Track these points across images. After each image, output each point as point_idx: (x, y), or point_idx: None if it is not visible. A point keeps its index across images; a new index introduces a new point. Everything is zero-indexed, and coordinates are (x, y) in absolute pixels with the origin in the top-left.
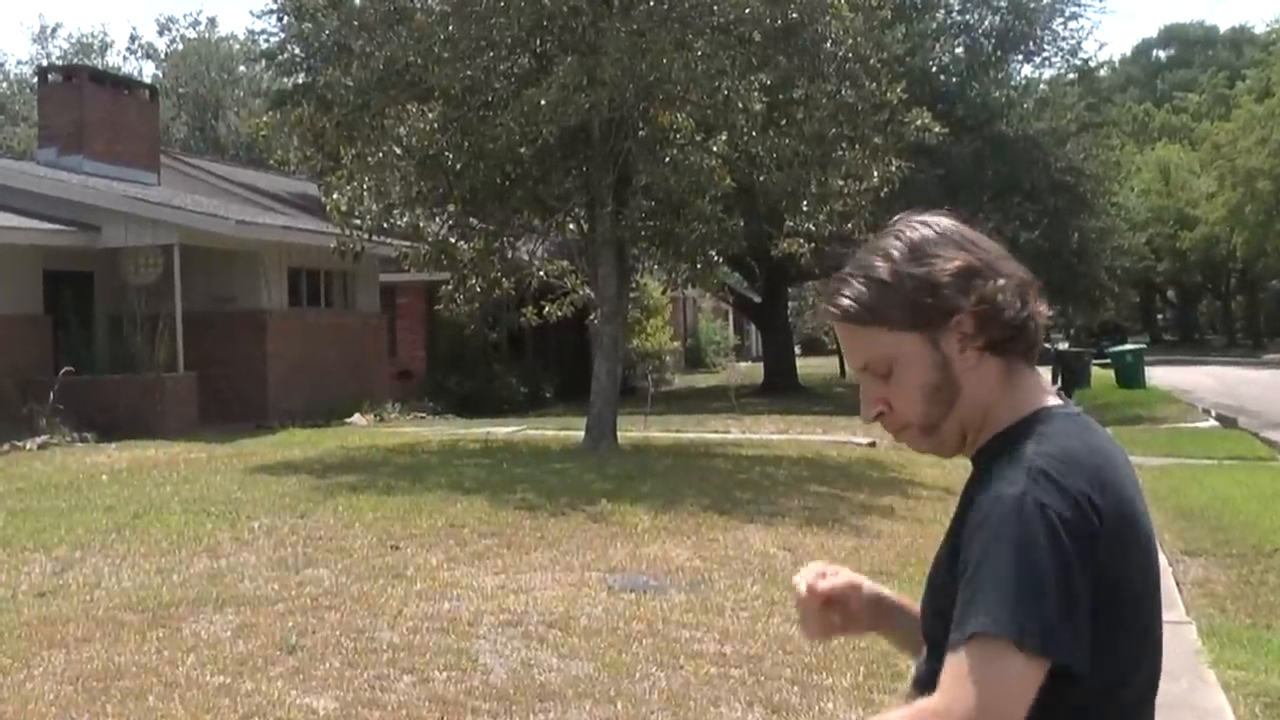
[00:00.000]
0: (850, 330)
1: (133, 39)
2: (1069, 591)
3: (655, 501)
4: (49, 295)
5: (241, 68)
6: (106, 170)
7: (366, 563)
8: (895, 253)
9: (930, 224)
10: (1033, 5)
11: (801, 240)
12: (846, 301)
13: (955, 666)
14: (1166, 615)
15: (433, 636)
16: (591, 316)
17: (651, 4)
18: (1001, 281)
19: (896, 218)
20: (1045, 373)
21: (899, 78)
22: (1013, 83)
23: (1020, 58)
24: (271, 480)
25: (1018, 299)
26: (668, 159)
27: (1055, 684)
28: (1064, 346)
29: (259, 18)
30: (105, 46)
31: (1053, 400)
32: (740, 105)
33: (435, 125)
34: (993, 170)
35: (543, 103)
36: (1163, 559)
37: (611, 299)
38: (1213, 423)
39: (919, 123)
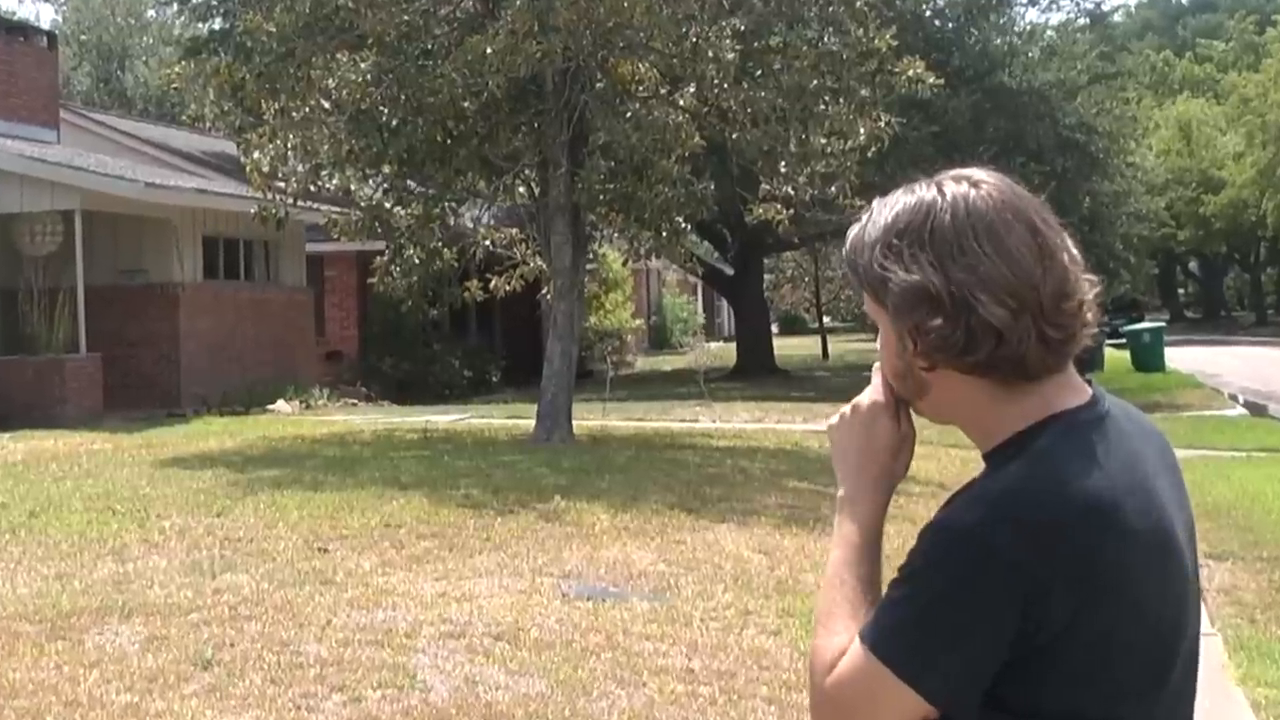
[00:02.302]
0: None
1: None
2: (970, 634)
3: (615, 499)
4: None
5: (151, 12)
6: None
7: (291, 567)
8: (885, 224)
9: (950, 208)
10: None
11: (779, 205)
12: (846, 247)
13: (850, 653)
14: None
15: (365, 650)
16: (544, 291)
17: None
18: (939, 321)
19: (956, 172)
20: None
21: (888, 23)
22: (1016, 29)
23: (1025, 1)
24: (185, 475)
25: (962, 343)
26: (629, 114)
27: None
28: None
29: None
30: None
31: (1074, 399)
32: (710, 54)
33: (368, 76)
34: (993, 127)
35: (489, 51)
36: None
37: (566, 271)
38: (1240, 410)
39: (911, 73)
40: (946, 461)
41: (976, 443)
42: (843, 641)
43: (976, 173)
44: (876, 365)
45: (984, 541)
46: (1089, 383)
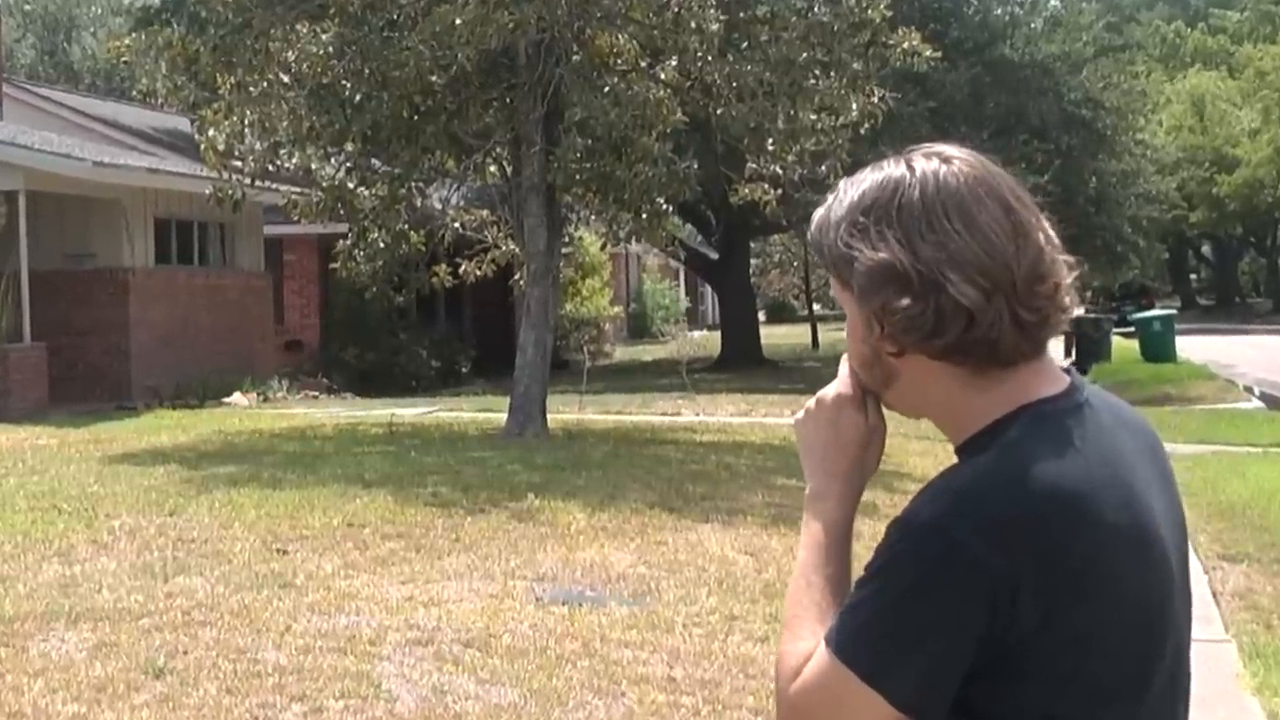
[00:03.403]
0: None
1: None
2: (935, 633)
3: (592, 497)
4: None
5: None
6: None
7: (248, 569)
8: (852, 202)
9: (919, 183)
10: None
11: (766, 185)
12: (811, 228)
13: (815, 658)
14: (1201, 631)
15: (327, 657)
16: (516, 277)
17: None
18: (907, 301)
19: (923, 147)
20: (1057, 343)
21: None
22: None
23: None
24: (135, 471)
25: (931, 325)
26: (607, 89)
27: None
28: (1079, 312)
29: None
30: None
31: (1050, 388)
32: (693, 25)
33: (330, 49)
34: (994, 102)
35: (458, 21)
36: (1196, 565)
37: (540, 255)
38: (1256, 403)
39: (906, 46)
40: (944, 457)
41: (949, 436)
42: (808, 646)
43: (948, 149)
44: (844, 356)
45: (948, 536)
46: (1068, 372)
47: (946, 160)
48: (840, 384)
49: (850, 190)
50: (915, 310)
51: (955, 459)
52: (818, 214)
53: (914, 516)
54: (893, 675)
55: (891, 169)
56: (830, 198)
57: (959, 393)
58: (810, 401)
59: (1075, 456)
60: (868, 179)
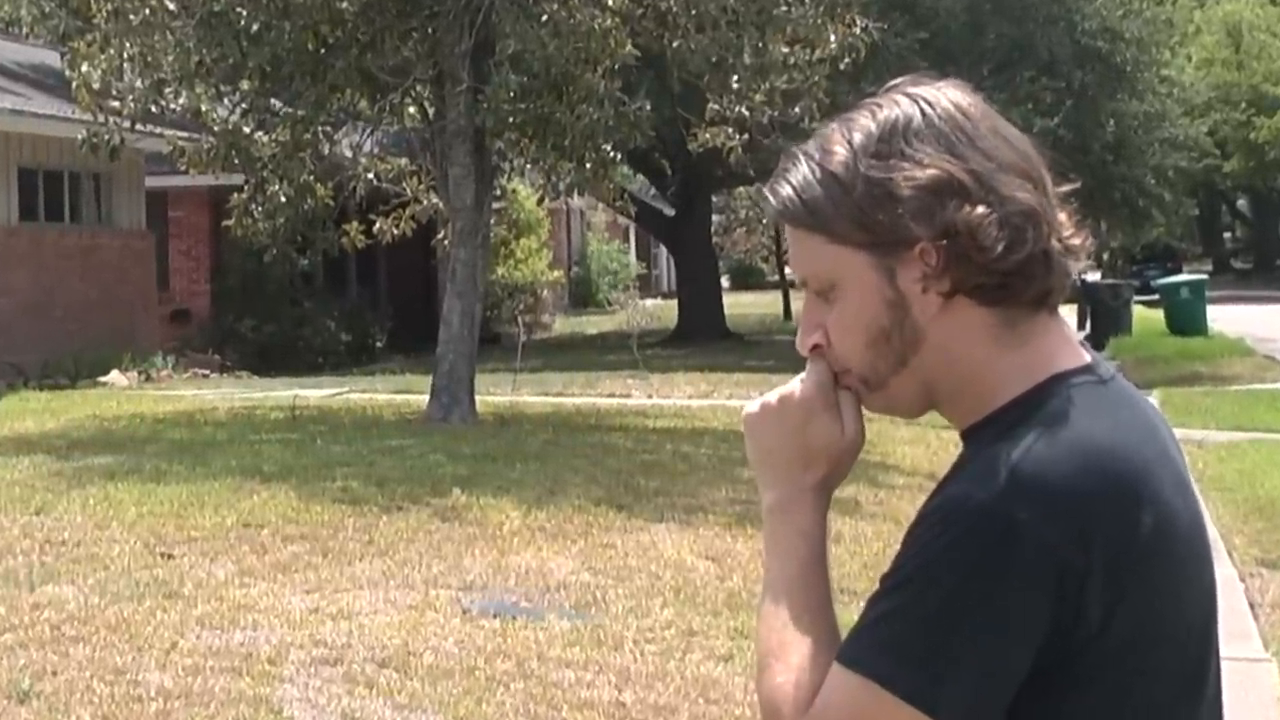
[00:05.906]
0: (791, 231)
1: None
2: (994, 636)
3: (528, 492)
4: None
5: None
6: None
7: (128, 576)
8: (860, 136)
9: (929, 102)
10: None
11: (730, 130)
12: (787, 192)
13: (831, 684)
14: (1237, 648)
15: (219, 679)
16: (440, 236)
17: None
18: (982, 210)
19: (895, 82)
20: (1070, 314)
21: None
22: None
23: None
24: None
25: (1009, 234)
26: (545, 17)
27: None
28: (1095, 277)
29: None
30: None
31: (1074, 360)
32: None
33: None
34: (995, 33)
35: None
36: (1231, 571)
37: (468, 211)
38: None
39: None
40: (937, 446)
41: (959, 417)
42: (812, 675)
43: (927, 79)
44: (807, 345)
45: (1009, 518)
46: (1083, 346)
47: (939, 89)
48: (809, 384)
49: (846, 134)
50: (993, 217)
51: (954, 448)
52: (794, 177)
53: (961, 501)
54: (944, 690)
55: (890, 105)
56: (799, 163)
57: (990, 350)
58: (770, 396)
59: (1128, 431)
60: (868, 118)
